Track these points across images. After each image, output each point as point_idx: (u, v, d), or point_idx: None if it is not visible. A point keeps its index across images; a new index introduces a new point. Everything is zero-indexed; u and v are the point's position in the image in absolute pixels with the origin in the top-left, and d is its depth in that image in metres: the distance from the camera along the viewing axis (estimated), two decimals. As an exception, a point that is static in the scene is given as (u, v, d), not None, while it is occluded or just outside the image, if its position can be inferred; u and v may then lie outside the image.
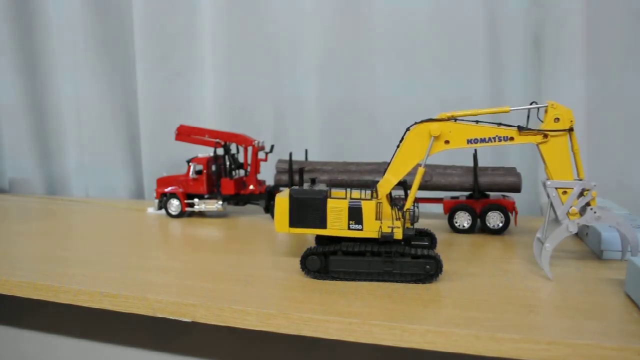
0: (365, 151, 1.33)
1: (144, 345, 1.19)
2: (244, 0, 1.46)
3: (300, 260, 0.80)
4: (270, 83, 1.49)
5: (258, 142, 1.27)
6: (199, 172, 1.28)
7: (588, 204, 0.76)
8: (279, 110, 1.50)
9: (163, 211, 1.31)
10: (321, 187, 0.82)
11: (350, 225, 0.78)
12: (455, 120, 0.78)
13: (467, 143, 0.77)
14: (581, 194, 0.76)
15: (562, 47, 1.21)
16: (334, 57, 1.41)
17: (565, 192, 0.76)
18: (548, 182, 0.77)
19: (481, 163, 1.11)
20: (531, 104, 0.77)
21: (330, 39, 1.40)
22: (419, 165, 0.78)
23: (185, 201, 1.28)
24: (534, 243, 0.84)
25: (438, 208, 1.14)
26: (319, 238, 0.87)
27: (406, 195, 0.82)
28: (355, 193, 0.80)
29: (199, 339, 1.16)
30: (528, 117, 0.78)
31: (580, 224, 0.76)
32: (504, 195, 1.11)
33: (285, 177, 1.23)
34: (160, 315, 0.74)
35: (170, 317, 0.73)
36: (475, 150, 1.09)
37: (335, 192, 0.80)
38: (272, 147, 1.30)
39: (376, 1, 1.36)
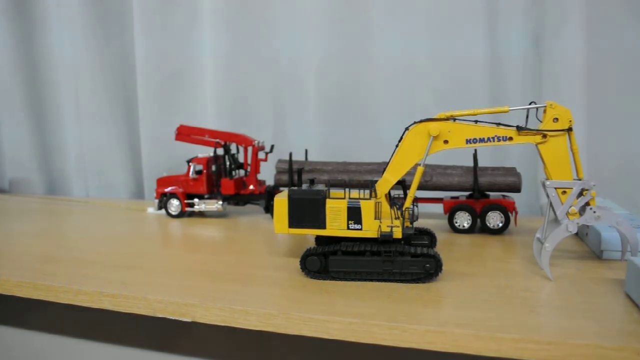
0: (365, 152, 1.33)
1: (144, 345, 1.19)
2: (244, 25, 1.47)
3: (300, 261, 0.80)
4: (271, 82, 1.49)
5: (258, 142, 1.27)
6: (199, 172, 1.28)
7: (587, 203, 0.76)
8: (278, 109, 1.50)
9: (163, 211, 1.31)
10: (320, 187, 0.82)
11: (350, 225, 0.78)
12: (455, 120, 0.78)
13: (466, 143, 0.77)
14: (580, 194, 0.76)
15: (562, 47, 1.21)
16: (334, 59, 1.41)
17: (564, 192, 0.76)
18: (547, 182, 0.77)
19: (481, 163, 1.11)
20: (530, 103, 0.77)
21: (330, 62, 1.41)
22: (418, 164, 0.78)
23: (185, 201, 1.28)
24: (534, 243, 0.84)
25: (437, 208, 1.14)
26: (318, 238, 0.87)
27: (405, 194, 0.82)
28: (354, 193, 0.80)
29: (199, 339, 1.16)
30: (527, 117, 0.78)
31: (580, 224, 0.76)
32: (504, 195, 1.11)
33: (285, 177, 1.23)
34: (160, 315, 0.74)
35: (170, 317, 0.73)
36: (475, 150, 1.09)
37: (334, 192, 0.80)
38: (272, 147, 1.30)
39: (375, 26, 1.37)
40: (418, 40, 1.34)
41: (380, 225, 0.77)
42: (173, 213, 1.29)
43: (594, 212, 0.76)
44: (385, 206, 0.79)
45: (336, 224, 0.78)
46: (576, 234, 0.98)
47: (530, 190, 1.30)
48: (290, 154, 1.22)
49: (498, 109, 0.77)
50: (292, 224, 0.80)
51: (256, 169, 1.28)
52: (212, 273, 0.85)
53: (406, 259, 0.76)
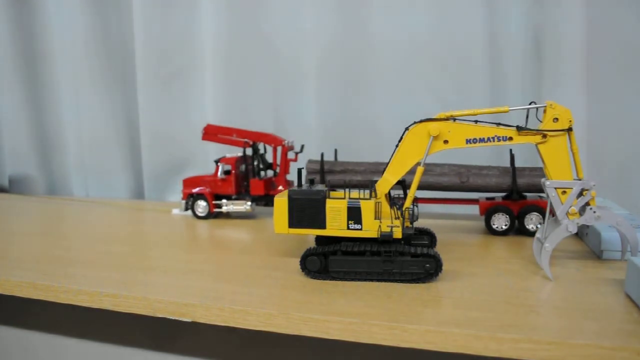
0: (365, 154, 1.33)
1: (144, 345, 1.19)
2: (244, 11, 1.46)
3: (300, 261, 0.80)
4: (270, 93, 1.49)
5: (288, 142, 1.25)
6: (227, 172, 1.25)
7: (587, 203, 0.76)
8: (279, 120, 1.50)
9: (189, 212, 1.29)
10: (320, 187, 0.82)
11: (350, 225, 0.78)
12: (454, 120, 0.78)
13: (466, 143, 0.77)
14: (580, 194, 0.76)
15: (562, 47, 1.20)
16: (334, 68, 1.41)
17: (564, 192, 0.76)
18: (547, 182, 0.77)
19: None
20: (530, 103, 0.77)
21: (330, 50, 1.41)
22: (418, 164, 0.78)
23: (213, 202, 1.26)
24: (534, 243, 0.84)
25: (471, 209, 1.13)
26: (318, 238, 0.87)
27: (405, 194, 0.82)
28: (354, 193, 0.80)
29: (199, 339, 1.16)
30: (527, 117, 0.78)
31: (580, 224, 0.76)
32: (540, 196, 1.10)
33: (317, 178, 1.19)
34: (160, 315, 0.74)
35: (170, 317, 0.73)
36: (511, 150, 1.08)
37: (334, 192, 0.80)
38: (302, 147, 1.27)
39: (376, 15, 1.36)
40: (417, 34, 1.33)
41: (380, 225, 0.77)
42: (200, 214, 1.27)
43: (594, 212, 0.76)
44: (385, 206, 0.79)
45: (336, 224, 0.78)
46: (576, 234, 0.98)
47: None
48: (322, 155, 1.19)
49: (498, 109, 0.78)
50: (292, 224, 0.80)
51: (285, 169, 1.25)
52: (212, 273, 0.85)
53: (406, 259, 0.76)
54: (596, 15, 1.19)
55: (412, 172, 0.79)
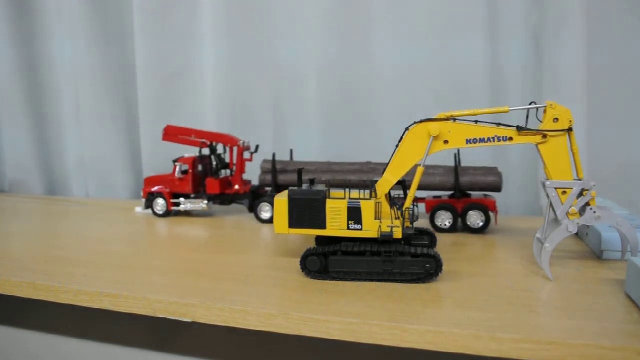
0: (365, 151, 1.33)
1: (144, 345, 1.18)
2: (244, 29, 1.47)
3: (300, 261, 0.80)
4: (271, 81, 1.49)
5: (243, 142, 1.29)
6: (184, 172, 1.29)
7: (587, 203, 0.76)
8: (278, 111, 1.50)
9: (150, 210, 1.32)
10: (320, 187, 0.82)
11: (350, 225, 0.78)
12: (454, 120, 0.78)
13: (466, 143, 0.77)
14: (580, 194, 0.76)
15: (562, 47, 1.21)
16: (335, 58, 1.41)
17: (564, 192, 0.76)
18: (547, 182, 0.77)
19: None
20: (530, 103, 0.77)
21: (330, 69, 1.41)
22: (417, 164, 0.78)
23: (171, 200, 1.29)
24: (534, 243, 0.84)
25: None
26: (318, 238, 0.87)
27: (405, 194, 0.82)
28: (354, 193, 0.80)
29: (199, 339, 1.16)
30: (527, 117, 0.78)
31: (580, 224, 0.76)
32: (485, 195, 1.12)
33: (269, 177, 1.25)
34: (160, 315, 0.74)
35: (170, 317, 0.73)
36: (458, 150, 1.11)
37: (334, 192, 0.80)
38: (257, 147, 1.31)
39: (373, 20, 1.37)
40: (418, 42, 1.34)
41: (380, 225, 0.77)
42: (159, 212, 1.30)
43: (594, 212, 0.76)
44: (385, 206, 0.79)
45: (336, 224, 0.78)
46: (576, 234, 0.98)
47: (530, 190, 1.30)
48: (274, 155, 1.23)
49: (498, 109, 0.78)
50: (292, 224, 0.80)
51: (241, 169, 1.29)
52: (212, 273, 0.85)
53: (406, 259, 0.76)
54: (596, 19, 1.19)
55: (411, 172, 0.79)
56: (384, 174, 0.80)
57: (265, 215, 1.23)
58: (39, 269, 0.89)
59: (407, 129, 0.79)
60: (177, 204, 1.29)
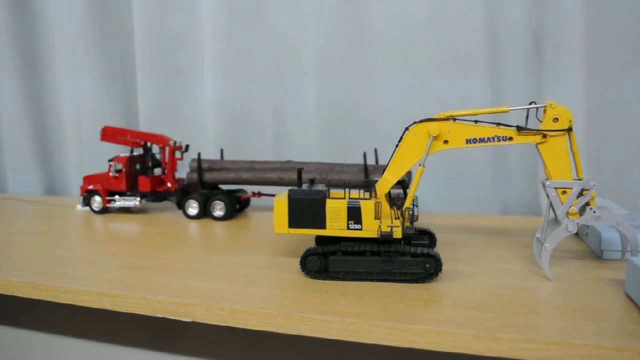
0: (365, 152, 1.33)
1: (144, 345, 1.19)
2: (244, 4, 1.46)
3: (300, 261, 0.80)
4: (270, 85, 1.48)
5: (174, 142, 1.36)
6: (119, 171, 1.35)
7: (587, 203, 0.76)
8: (279, 112, 1.50)
9: (88, 207, 1.38)
10: (320, 187, 0.82)
11: (350, 225, 0.78)
12: (455, 120, 0.78)
13: (466, 143, 0.77)
14: (580, 194, 0.76)
15: (562, 48, 1.20)
16: (334, 60, 1.40)
17: (564, 192, 0.76)
18: (547, 182, 0.77)
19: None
20: (530, 104, 0.77)
21: (330, 42, 1.40)
22: (418, 164, 0.78)
23: (107, 198, 1.35)
24: (534, 243, 0.84)
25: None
26: (318, 238, 0.87)
27: (405, 194, 0.82)
28: (354, 193, 0.80)
29: (199, 339, 1.16)
30: (527, 117, 0.78)
31: (580, 224, 0.76)
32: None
33: (196, 176, 1.31)
34: (160, 315, 0.74)
35: (170, 317, 0.73)
36: (375, 149, 1.19)
37: (334, 192, 0.80)
38: (187, 146, 1.37)
39: (375, 4, 1.36)
40: (419, 37, 1.33)
41: (380, 225, 0.77)
42: (96, 209, 1.36)
43: (594, 212, 0.76)
44: (385, 206, 0.79)
45: (336, 224, 0.78)
46: (576, 234, 0.98)
47: (530, 190, 1.30)
48: (199, 154, 1.29)
49: (498, 109, 0.78)
50: (292, 224, 0.80)
51: (173, 168, 1.36)
52: (212, 273, 0.85)
53: (406, 259, 0.76)
54: (596, 11, 1.19)
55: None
56: (384, 174, 0.80)
57: (192, 211, 1.28)
58: (39, 269, 0.89)
59: (407, 129, 0.79)
60: (112, 201, 1.35)
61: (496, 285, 0.75)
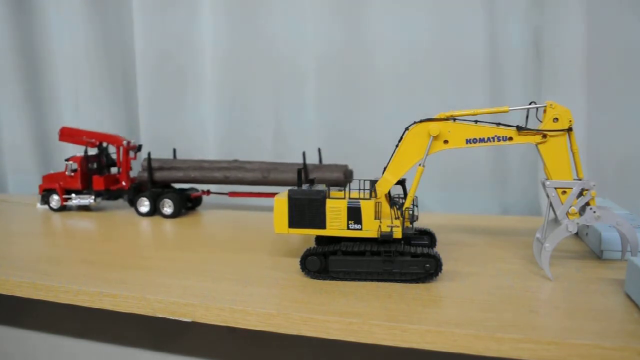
0: (366, 154, 1.33)
1: (144, 345, 1.19)
2: (244, 16, 1.46)
3: (300, 261, 0.80)
4: (271, 92, 1.48)
5: (128, 142, 1.40)
6: (74, 170, 1.38)
7: (587, 203, 0.76)
8: (278, 119, 1.49)
9: (47, 205, 1.41)
10: (320, 187, 0.82)
11: (350, 225, 0.78)
12: (455, 120, 0.78)
13: (466, 143, 0.78)
14: (580, 194, 0.76)
15: (562, 46, 1.20)
16: (333, 83, 1.41)
17: (564, 192, 0.76)
18: (547, 182, 0.77)
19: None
20: (530, 103, 0.77)
21: (329, 61, 1.41)
22: (418, 164, 0.78)
23: (63, 196, 1.39)
24: (534, 243, 0.84)
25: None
26: (318, 238, 0.87)
27: (405, 194, 0.82)
28: (354, 193, 0.80)
29: (199, 339, 1.16)
30: (527, 117, 0.78)
31: (580, 224, 0.76)
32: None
33: (146, 174, 1.34)
34: (160, 315, 0.74)
35: (170, 317, 0.73)
36: (319, 149, 1.25)
37: (334, 192, 0.80)
38: (140, 146, 1.42)
39: (374, 7, 1.36)
40: (418, 41, 1.33)
41: (380, 225, 0.77)
42: (54, 207, 1.41)
43: (594, 212, 0.76)
44: (385, 206, 0.79)
45: (336, 224, 0.78)
46: (576, 234, 0.98)
47: (530, 190, 1.30)
48: (149, 153, 1.33)
49: (498, 109, 0.78)
50: (292, 224, 0.80)
51: (127, 167, 1.40)
52: (212, 273, 0.85)
53: (406, 259, 0.76)
54: (596, 17, 1.19)
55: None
56: (384, 174, 0.80)
57: (144, 209, 1.33)
58: (39, 269, 0.89)
59: (407, 129, 0.79)
60: (69, 199, 1.40)
61: (496, 285, 0.75)
